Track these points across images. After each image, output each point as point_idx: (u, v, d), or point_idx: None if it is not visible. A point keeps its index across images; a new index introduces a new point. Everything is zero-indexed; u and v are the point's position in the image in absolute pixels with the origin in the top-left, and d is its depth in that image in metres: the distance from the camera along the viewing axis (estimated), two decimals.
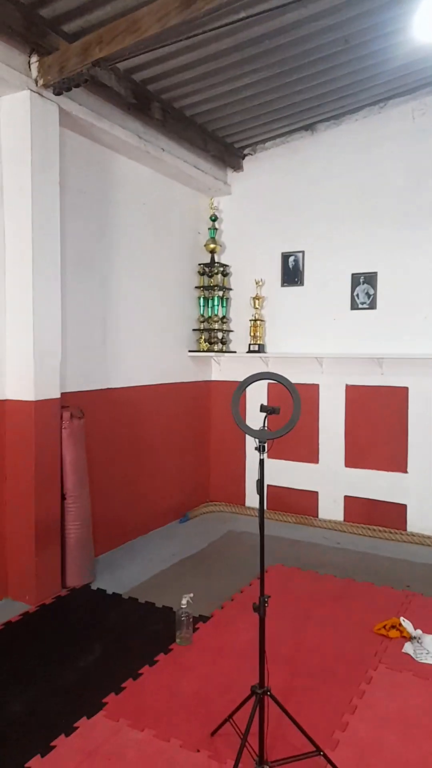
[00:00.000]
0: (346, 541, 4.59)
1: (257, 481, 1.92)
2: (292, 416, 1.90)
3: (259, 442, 1.92)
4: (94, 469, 4.03)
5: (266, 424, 1.95)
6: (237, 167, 5.29)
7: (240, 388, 1.95)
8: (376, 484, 4.79)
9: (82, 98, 3.64)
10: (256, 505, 5.31)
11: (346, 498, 4.93)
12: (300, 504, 5.11)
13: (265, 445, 1.92)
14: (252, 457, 5.32)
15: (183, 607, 2.93)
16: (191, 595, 2.99)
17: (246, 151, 5.27)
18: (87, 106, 3.68)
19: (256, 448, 1.94)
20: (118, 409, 4.34)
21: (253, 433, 1.93)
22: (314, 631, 3.08)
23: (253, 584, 3.67)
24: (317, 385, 5.00)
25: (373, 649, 2.88)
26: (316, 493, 5.05)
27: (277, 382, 1.94)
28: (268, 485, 5.22)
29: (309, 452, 5.05)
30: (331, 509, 4.99)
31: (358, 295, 4.80)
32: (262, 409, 1.99)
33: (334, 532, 4.80)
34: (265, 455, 1.98)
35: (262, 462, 1.93)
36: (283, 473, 5.14)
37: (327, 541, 4.58)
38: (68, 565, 3.58)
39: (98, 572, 3.87)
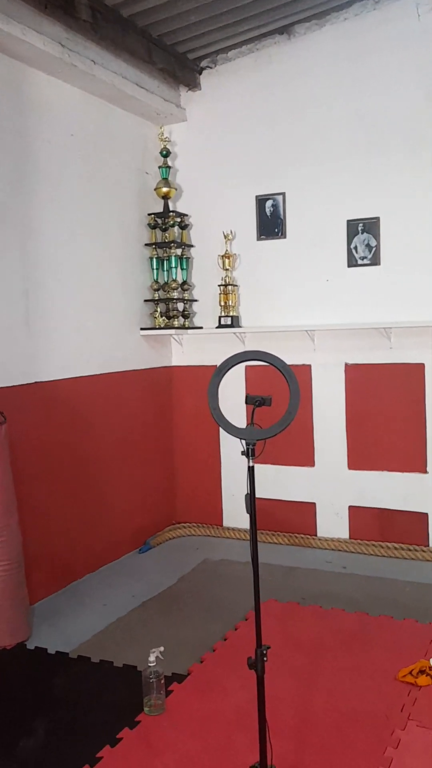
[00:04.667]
0: (355, 563, 4.58)
1: (246, 495, 1.83)
2: (289, 407, 1.82)
3: (247, 444, 1.83)
4: (24, 491, 3.89)
5: (253, 420, 1.86)
6: (193, 85, 5.16)
7: (219, 372, 1.86)
8: (388, 490, 4.79)
9: None
10: (236, 524, 5.26)
11: (352, 509, 4.92)
12: (293, 520, 5.08)
13: (254, 448, 1.83)
14: (229, 463, 5.25)
15: (151, 665, 2.84)
16: (161, 648, 2.91)
17: (203, 64, 5.14)
18: None
19: (242, 453, 1.85)
20: (51, 408, 4.20)
21: (239, 433, 1.84)
22: (322, 684, 3.03)
23: (239, 628, 3.61)
24: (308, 366, 4.96)
25: (398, 703, 2.86)
26: (313, 504, 5.02)
27: (267, 363, 1.85)
28: None
29: (301, 453, 5.02)
30: (332, 524, 4.97)
31: (356, 248, 4.76)
32: (249, 400, 1.90)
33: (338, 553, 4.79)
34: (243, 462, 1.89)
35: (251, 470, 1.84)
36: (270, 481, 5.09)
37: (330, 565, 4.56)
38: None
39: (36, 625, 3.76)
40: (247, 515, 5.18)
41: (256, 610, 1.90)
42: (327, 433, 4.94)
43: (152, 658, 2.86)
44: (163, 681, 2.86)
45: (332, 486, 4.95)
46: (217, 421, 1.87)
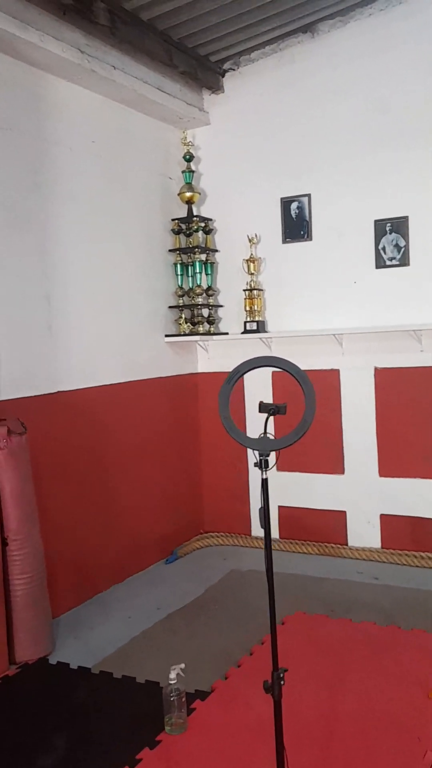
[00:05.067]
0: (387, 574, 4.43)
1: (260, 509, 1.73)
2: (304, 415, 1.71)
3: (260, 455, 1.73)
4: (46, 501, 3.84)
5: (268, 429, 1.77)
6: (216, 88, 5.09)
7: (229, 380, 1.76)
8: (421, 497, 4.63)
9: None
10: None
11: (384, 517, 4.77)
12: (323, 529, 4.95)
13: (268, 458, 1.73)
14: (257, 471, 5.12)
15: (172, 682, 2.75)
16: (182, 665, 2.81)
17: (226, 66, 5.06)
18: (5, 11, 3.45)
19: (255, 464, 1.75)
20: (74, 418, 4.15)
21: (251, 443, 1.74)
22: (350, 702, 2.90)
23: (266, 642, 3.49)
24: (337, 371, 4.83)
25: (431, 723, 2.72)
26: (344, 513, 4.89)
27: (280, 369, 1.75)
28: (280, 506, 5.06)
29: (331, 460, 4.89)
30: (364, 533, 4.83)
31: (384, 249, 4.62)
32: (262, 408, 1.80)
33: (369, 563, 4.64)
34: (268, 473, 1.79)
35: (264, 483, 1.74)
36: (299, 490, 4.98)
37: (361, 576, 4.42)
38: (17, 633, 3.39)
39: (60, 638, 3.70)
40: (275, 525, 5.03)
41: (272, 632, 1.79)
42: (357, 439, 4.81)
43: (173, 675, 2.76)
44: (184, 699, 2.77)
45: (363, 494, 4.81)
46: (228, 431, 1.78)
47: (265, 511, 1.74)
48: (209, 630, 3.73)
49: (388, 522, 4.76)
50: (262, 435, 1.76)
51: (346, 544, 4.88)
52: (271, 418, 1.86)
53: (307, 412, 1.72)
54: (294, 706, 2.83)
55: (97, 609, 4.10)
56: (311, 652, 3.36)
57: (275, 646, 1.82)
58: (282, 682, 1.78)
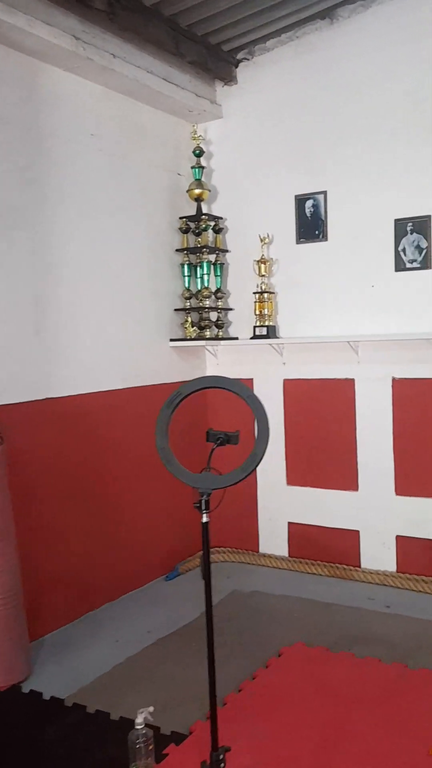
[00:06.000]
0: (400, 602, 4.10)
1: (200, 557, 1.46)
2: (255, 448, 1.44)
3: (201, 493, 1.46)
4: (37, 514, 3.64)
5: (211, 464, 1.49)
6: (228, 79, 4.81)
7: (169, 404, 1.49)
8: None
9: None
10: (273, 551, 4.87)
11: (400, 539, 4.44)
12: (335, 549, 4.64)
13: (209, 498, 1.46)
14: (265, 484, 4.86)
15: (138, 727, 2.48)
16: (150, 709, 2.53)
17: (240, 56, 4.78)
18: None
19: (195, 505, 1.48)
20: (67, 426, 3.92)
21: (191, 480, 1.47)
22: (341, 751, 2.60)
23: (257, 677, 3.21)
24: (352, 381, 4.52)
25: None
26: (357, 532, 4.57)
27: (230, 391, 1.48)
28: (290, 523, 4.78)
29: (344, 475, 4.57)
30: (378, 555, 4.51)
31: (404, 251, 4.29)
32: (210, 437, 1.53)
33: (382, 588, 4.33)
34: (207, 516, 1.51)
35: (205, 528, 1.47)
36: (310, 506, 4.69)
37: (372, 603, 4.10)
38: None
39: (39, 661, 3.48)
40: (284, 542, 4.65)
41: (212, 711, 1.51)
42: (372, 454, 4.48)
43: (140, 719, 2.49)
44: (151, 747, 2.49)
45: (378, 513, 4.48)
46: (164, 464, 1.51)
47: (205, 566, 1.46)
48: (198, 661, 3.41)
49: (405, 544, 4.43)
50: (205, 470, 1.49)
51: (359, 567, 4.55)
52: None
53: (258, 444, 1.44)
54: (281, 755, 2.55)
55: (86, 629, 3.87)
56: (304, 694, 3.05)
57: (215, 724, 1.54)
58: (222, 765, 1.50)
